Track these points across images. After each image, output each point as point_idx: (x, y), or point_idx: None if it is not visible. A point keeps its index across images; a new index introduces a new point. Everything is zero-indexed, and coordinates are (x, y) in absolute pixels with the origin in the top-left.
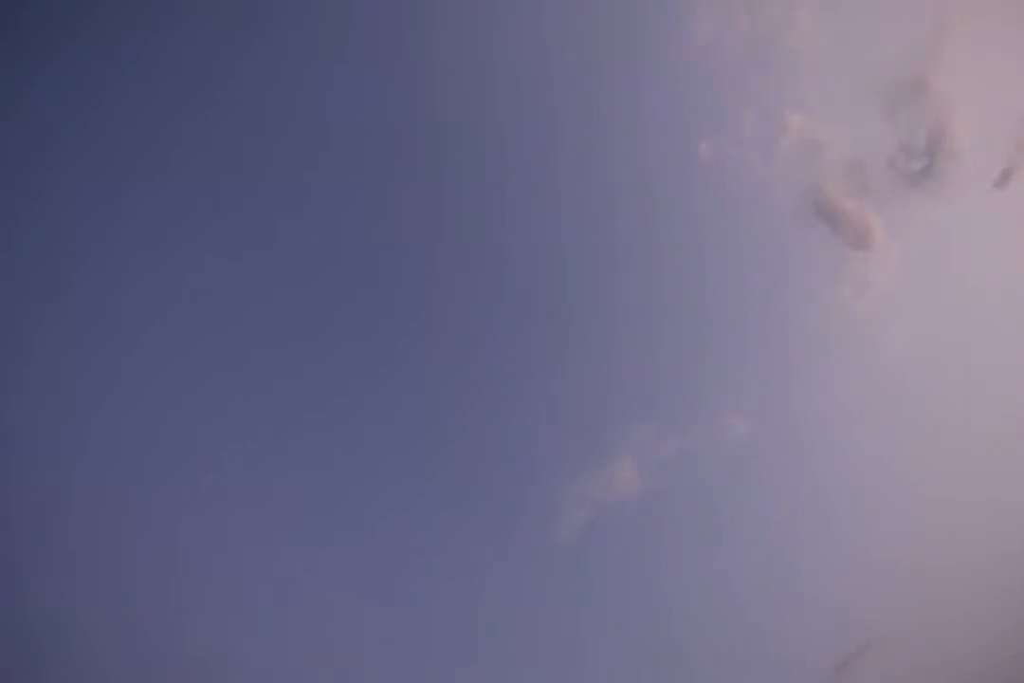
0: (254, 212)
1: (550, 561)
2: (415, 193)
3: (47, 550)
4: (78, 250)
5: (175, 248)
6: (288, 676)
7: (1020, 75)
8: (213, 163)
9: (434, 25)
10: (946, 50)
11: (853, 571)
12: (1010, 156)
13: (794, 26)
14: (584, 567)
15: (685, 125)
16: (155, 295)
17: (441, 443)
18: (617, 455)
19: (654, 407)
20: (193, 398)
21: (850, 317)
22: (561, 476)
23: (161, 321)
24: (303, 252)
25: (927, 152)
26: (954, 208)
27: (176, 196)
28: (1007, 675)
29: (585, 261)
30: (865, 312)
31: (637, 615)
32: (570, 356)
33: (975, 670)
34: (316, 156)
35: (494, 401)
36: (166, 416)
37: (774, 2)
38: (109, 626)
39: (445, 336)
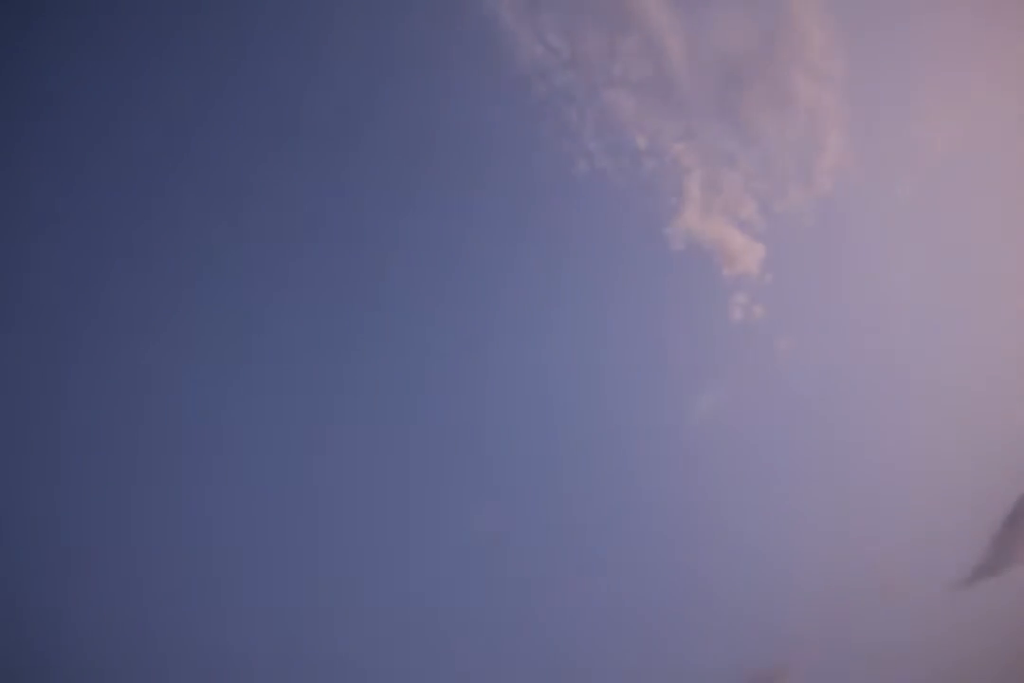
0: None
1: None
2: None
3: (47, 549)
4: (77, 250)
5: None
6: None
7: (900, 84)
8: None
9: None
10: (813, 57)
11: (762, 591)
12: (889, 169)
13: (640, 38)
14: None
15: (525, 145)
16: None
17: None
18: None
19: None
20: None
21: (731, 341)
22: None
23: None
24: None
25: (800, 166)
26: (829, 220)
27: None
28: None
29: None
30: (747, 333)
31: (538, 642)
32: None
33: None
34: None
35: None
36: (153, 412)
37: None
38: (108, 626)
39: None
